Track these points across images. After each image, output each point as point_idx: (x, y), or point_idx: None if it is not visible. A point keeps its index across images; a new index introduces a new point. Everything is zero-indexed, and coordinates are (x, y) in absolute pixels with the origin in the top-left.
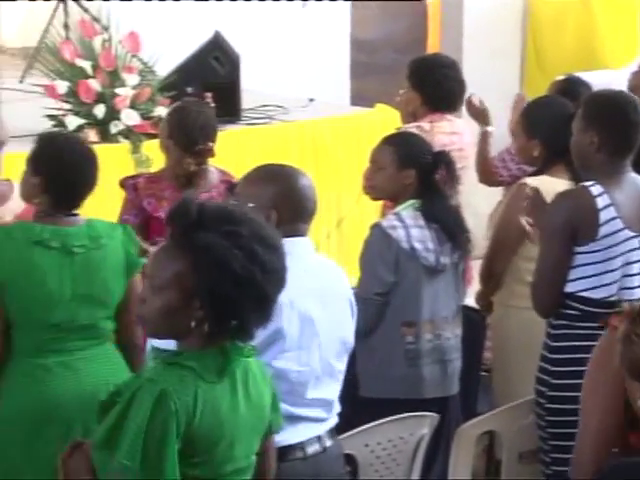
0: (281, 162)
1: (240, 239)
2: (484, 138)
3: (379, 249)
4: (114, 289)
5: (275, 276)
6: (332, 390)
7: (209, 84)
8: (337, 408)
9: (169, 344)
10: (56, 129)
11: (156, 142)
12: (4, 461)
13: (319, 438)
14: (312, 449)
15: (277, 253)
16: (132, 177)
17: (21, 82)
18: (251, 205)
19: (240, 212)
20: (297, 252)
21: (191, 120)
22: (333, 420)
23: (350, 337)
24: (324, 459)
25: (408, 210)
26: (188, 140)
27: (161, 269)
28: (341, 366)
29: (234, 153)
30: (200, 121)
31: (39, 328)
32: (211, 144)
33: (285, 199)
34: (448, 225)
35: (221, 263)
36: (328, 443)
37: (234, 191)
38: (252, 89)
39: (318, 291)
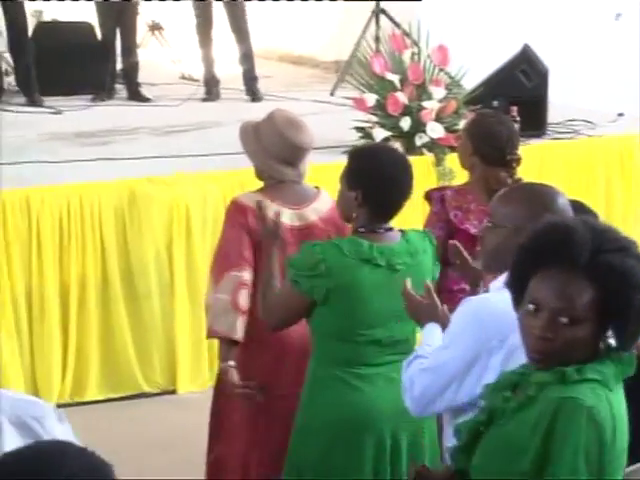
0: (542, 181)
1: (637, 254)
2: None
3: None
4: None
5: None
6: None
7: (515, 98)
8: None
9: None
10: (363, 141)
11: None
12: (311, 463)
13: None
14: None
15: None
16: (438, 189)
17: (332, 95)
18: (508, 225)
19: (611, 227)
20: None
21: (496, 133)
22: None
23: None
24: None
25: None
26: (497, 153)
27: (571, 302)
28: None
29: (538, 167)
30: (504, 132)
31: (361, 343)
32: (519, 152)
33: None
34: None
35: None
36: None
37: (487, 210)
38: (559, 103)
39: None
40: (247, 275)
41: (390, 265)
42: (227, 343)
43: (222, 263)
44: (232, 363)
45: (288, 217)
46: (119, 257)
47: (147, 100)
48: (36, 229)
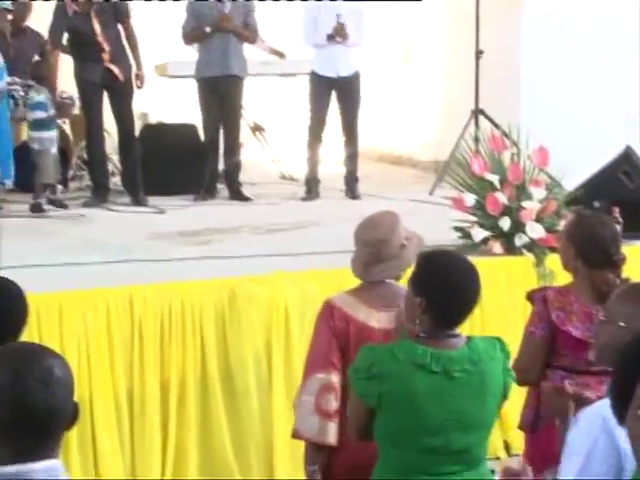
0: None
1: None
2: None
3: None
4: (491, 414)
5: None
6: None
7: (617, 199)
8: None
9: None
10: (462, 241)
11: None
12: None
13: None
14: None
15: None
16: (540, 290)
17: (431, 194)
18: (622, 324)
19: None
20: None
21: (598, 234)
22: None
23: None
24: None
25: None
26: (602, 255)
27: None
28: None
29: None
30: (607, 233)
31: (413, 450)
32: (624, 252)
33: None
34: None
35: None
36: None
37: (605, 305)
38: None
39: None
40: (334, 378)
41: (446, 372)
42: (313, 446)
43: (309, 365)
44: (315, 467)
45: (376, 319)
46: (218, 355)
47: (248, 199)
48: (138, 327)
